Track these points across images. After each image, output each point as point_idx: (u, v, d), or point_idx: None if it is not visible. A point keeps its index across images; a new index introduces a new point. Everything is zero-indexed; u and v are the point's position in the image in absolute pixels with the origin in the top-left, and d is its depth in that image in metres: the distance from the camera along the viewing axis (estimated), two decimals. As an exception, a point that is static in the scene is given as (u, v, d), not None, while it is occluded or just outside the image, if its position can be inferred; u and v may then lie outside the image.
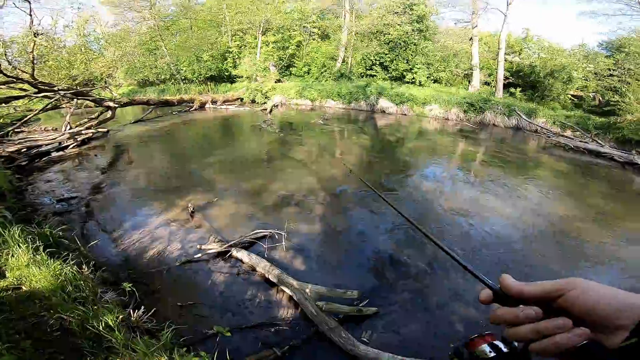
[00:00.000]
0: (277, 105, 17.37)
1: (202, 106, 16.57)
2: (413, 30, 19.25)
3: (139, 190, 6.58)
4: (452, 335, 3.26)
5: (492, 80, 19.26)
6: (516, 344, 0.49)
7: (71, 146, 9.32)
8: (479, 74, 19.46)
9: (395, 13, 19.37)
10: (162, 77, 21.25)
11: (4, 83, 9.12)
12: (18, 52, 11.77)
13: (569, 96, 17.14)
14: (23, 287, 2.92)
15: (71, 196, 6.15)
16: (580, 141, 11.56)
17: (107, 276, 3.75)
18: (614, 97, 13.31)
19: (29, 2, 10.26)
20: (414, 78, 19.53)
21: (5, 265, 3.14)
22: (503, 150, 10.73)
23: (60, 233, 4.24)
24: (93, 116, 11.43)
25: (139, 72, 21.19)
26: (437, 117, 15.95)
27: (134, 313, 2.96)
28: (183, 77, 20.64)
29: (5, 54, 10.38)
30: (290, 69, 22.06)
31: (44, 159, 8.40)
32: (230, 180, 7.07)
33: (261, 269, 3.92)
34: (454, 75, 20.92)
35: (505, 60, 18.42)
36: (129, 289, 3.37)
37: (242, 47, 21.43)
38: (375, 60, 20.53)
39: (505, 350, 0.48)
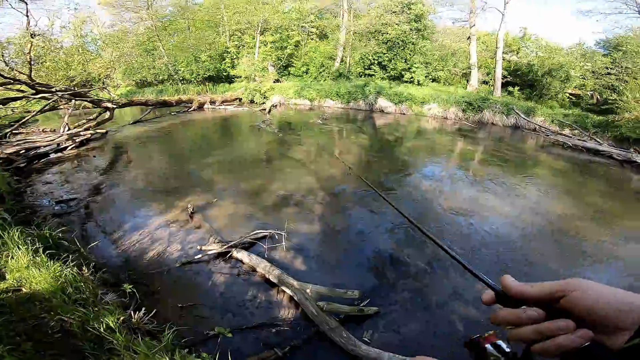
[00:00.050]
0: (275, 105, 17.36)
1: (200, 107, 16.54)
2: (411, 29, 19.27)
3: (138, 191, 6.56)
4: (452, 334, 3.27)
5: (491, 79, 19.30)
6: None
7: (70, 147, 9.29)
8: (477, 73, 19.51)
9: (393, 12, 19.38)
10: (160, 77, 21.19)
11: (1, 84, 9.08)
12: (15, 53, 11.75)
13: (567, 95, 17.21)
14: (23, 289, 2.91)
15: (70, 198, 6.13)
16: (578, 139, 11.61)
17: (107, 277, 3.75)
18: (611, 96, 13.38)
19: (26, 3, 10.25)
20: (412, 77, 19.56)
21: (5, 267, 3.13)
22: (502, 149, 10.76)
23: (60, 235, 4.23)
24: (91, 117, 11.39)
25: (136, 73, 21.12)
26: (435, 116, 15.98)
27: (134, 314, 2.96)
28: (181, 78, 20.59)
29: (2, 55, 10.35)
30: (289, 68, 22.04)
31: (43, 160, 8.37)
32: (229, 181, 7.06)
33: (261, 269, 3.92)
34: (452, 75, 20.97)
35: (503, 59, 18.47)
36: (130, 290, 3.37)
37: (240, 47, 21.40)
38: (374, 59, 20.54)
39: (507, 350, 0.49)
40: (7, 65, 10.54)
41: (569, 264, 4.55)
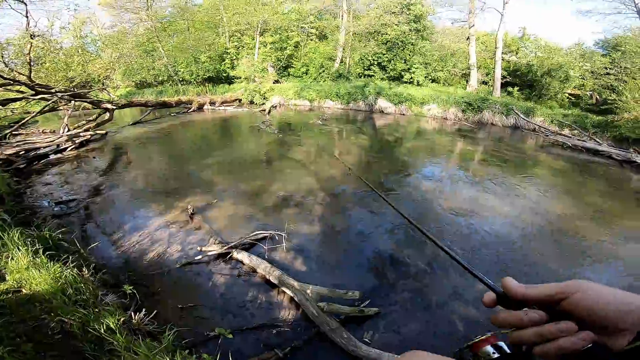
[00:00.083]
0: (275, 106, 17.37)
1: (200, 107, 16.55)
2: (410, 30, 19.29)
3: (138, 192, 6.56)
4: (452, 334, 3.27)
5: (490, 80, 19.34)
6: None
7: (69, 148, 9.29)
8: (477, 73, 19.54)
9: (392, 13, 19.41)
10: (160, 78, 21.20)
11: (0, 85, 9.08)
12: (15, 54, 11.74)
13: (567, 95, 17.24)
14: (23, 290, 2.91)
15: (70, 199, 6.13)
16: (578, 139, 11.62)
17: (107, 279, 3.74)
18: (611, 96, 13.39)
19: (25, 4, 10.24)
20: (412, 78, 19.58)
21: (5, 268, 3.13)
22: (501, 149, 10.77)
23: (60, 236, 4.22)
24: (91, 118, 11.39)
25: (136, 74, 21.14)
26: (435, 117, 15.99)
27: (135, 315, 2.96)
28: (181, 79, 20.59)
29: (2, 56, 10.35)
30: (289, 69, 22.06)
31: (42, 161, 8.37)
32: (229, 182, 7.06)
33: (262, 270, 3.92)
34: (452, 75, 21.00)
35: (503, 59, 18.50)
36: (130, 291, 3.37)
37: (240, 48, 21.41)
38: (373, 60, 20.57)
39: (509, 351, 0.48)
40: (7, 66, 10.53)
41: (568, 264, 4.55)
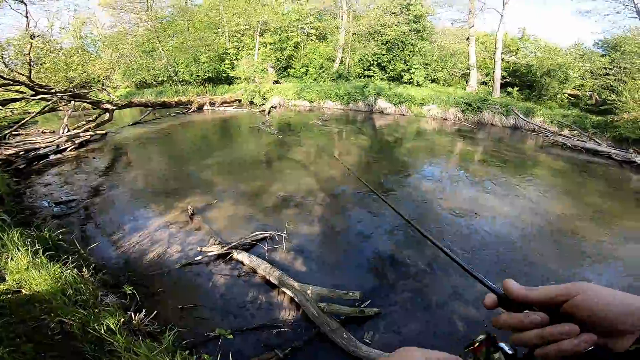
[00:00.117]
0: (275, 107, 17.37)
1: (200, 108, 16.55)
2: (410, 30, 19.32)
3: (138, 192, 6.56)
4: (452, 334, 3.28)
5: (490, 80, 19.36)
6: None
7: (69, 149, 9.28)
8: (476, 73, 19.55)
9: (392, 13, 19.43)
10: (160, 79, 21.21)
11: (0, 85, 9.07)
12: (14, 54, 11.73)
13: (566, 95, 17.26)
14: (23, 291, 2.91)
15: (70, 199, 6.13)
16: (577, 140, 11.63)
17: (107, 279, 3.74)
18: (610, 96, 13.40)
19: (25, 4, 10.24)
20: (411, 78, 19.59)
21: (5, 269, 3.13)
22: (501, 149, 10.78)
23: (60, 236, 4.22)
24: (91, 118, 11.39)
25: (136, 74, 21.14)
26: (435, 117, 16.00)
27: (135, 316, 2.95)
28: (181, 79, 20.59)
29: (2, 56, 10.34)
30: (288, 70, 22.06)
31: (42, 162, 8.37)
32: (229, 182, 7.06)
33: (262, 270, 3.92)
34: (452, 75, 21.01)
35: (502, 59, 18.52)
36: (130, 291, 3.37)
37: (240, 49, 21.41)
38: (373, 60, 20.58)
39: (510, 352, 0.48)
40: (7, 67, 10.51)
41: (568, 264, 4.55)
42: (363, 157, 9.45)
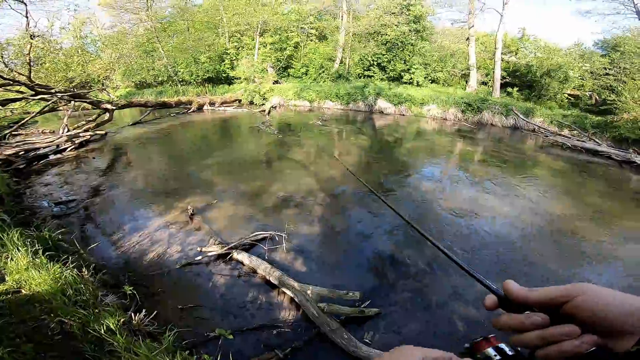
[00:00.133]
0: (275, 107, 17.37)
1: (200, 108, 16.55)
2: (410, 30, 19.32)
3: (138, 192, 6.56)
4: (452, 334, 3.28)
5: (489, 80, 19.37)
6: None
7: (69, 149, 9.28)
8: (476, 74, 19.56)
9: (392, 14, 19.43)
10: (160, 79, 21.21)
11: (0, 85, 9.07)
12: (14, 54, 11.74)
13: (566, 95, 17.26)
14: (23, 291, 2.91)
15: (70, 199, 6.12)
16: (577, 140, 11.64)
17: (107, 279, 3.74)
18: (610, 96, 13.40)
19: (25, 4, 10.24)
20: (411, 78, 19.60)
21: (5, 269, 3.12)
22: (501, 149, 10.78)
23: (60, 236, 4.22)
24: (91, 118, 11.39)
25: (136, 74, 21.15)
26: (435, 117, 16.01)
27: (135, 316, 2.95)
28: (180, 79, 20.60)
29: (2, 56, 10.33)
30: (288, 70, 22.06)
31: (42, 162, 8.36)
32: (229, 182, 7.06)
33: (262, 271, 3.92)
34: (452, 76, 21.02)
35: (502, 60, 18.53)
36: (130, 292, 3.37)
37: (240, 49, 21.41)
38: (373, 60, 20.58)
39: (510, 353, 0.48)
40: (7, 67, 10.51)
41: (568, 264, 4.55)
42: (363, 157, 9.45)
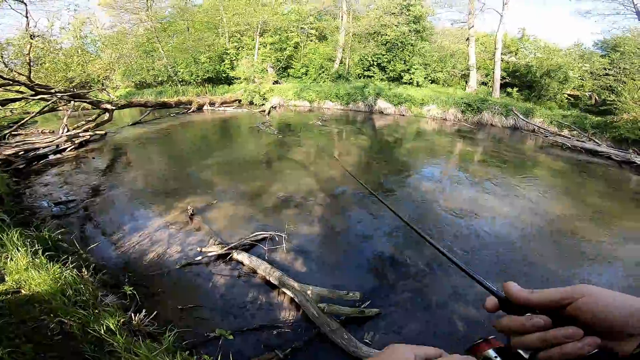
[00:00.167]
0: (275, 107, 17.37)
1: (199, 108, 16.55)
2: (410, 31, 19.32)
3: (138, 192, 6.55)
4: (452, 334, 3.28)
5: (489, 81, 19.38)
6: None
7: (69, 149, 9.28)
8: (476, 74, 19.57)
9: (392, 14, 19.44)
10: (160, 79, 21.21)
11: (0, 85, 9.06)
12: (14, 54, 11.73)
13: (566, 96, 17.28)
14: (22, 291, 2.90)
15: (69, 199, 6.12)
16: (577, 140, 11.65)
17: (107, 279, 3.73)
18: (610, 97, 13.41)
19: (25, 4, 10.23)
20: (411, 79, 19.60)
21: (4, 269, 3.12)
22: (501, 149, 10.78)
23: (59, 236, 4.22)
24: (90, 119, 11.38)
25: (136, 74, 21.14)
26: (435, 118, 16.01)
27: (135, 316, 2.95)
28: (180, 79, 20.59)
29: (2, 56, 10.33)
30: (288, 70, 22.07)
31: (42, 162, 8.36)
32: (228, 182, 7.05)
33: (262, 271, 3.91)
34: (451, 76, 21.03)
35: (502, 60, 18.54)
36: (130, 292, 3.36)
37: (240, 49, 21.42)
38: (373, 61, 20.58)
39: (511, 355, 0.47)
40: (6, 67, 10.51)
41: (568, 265, 4.55)
42: (363, 157, 9.45)
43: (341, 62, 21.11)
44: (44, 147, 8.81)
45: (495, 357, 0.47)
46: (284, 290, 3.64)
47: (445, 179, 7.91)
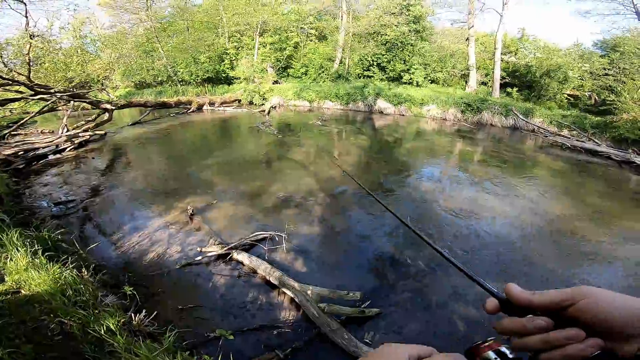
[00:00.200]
0: (275, 107, 17.37)
1: (199, 108, 16.54)
2: (410, 30, 19.33)
3: (138, 192, 6.55)
4: (452, 334, 3.28)
5: (489, 81, 19.39)
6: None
7: (68, 149, 9.27)
8: (476, 74, 19.58)
9: (392, 14, 19.45)
10: (159, 79, 21.20)
11: (0, 85, 9.06)
12: (14, 54, 11.73)
13: (565, 96, 17.29)
14: (22, 291, 2.90)
15: (69, 199, 6.11)
16: (577, 140, 11.65)
17: (107, 279, 3.73)
18: (609, 96, 13.42)
19: (25, 4, 10.22)
20: (411, 79, 19.61)
21: (4, 269, 3.12)
22: (501, 149, 10.79)
23: (59, 236, 4.22)
24: (90, 118, 11.38)
25: (135, 74, 21.14)
26: (434, 118, 16.02)
27: (135, 316, 2.95)
28: (180, 79, 20.58)
29: (1, 56, 10.32)
30: (288, 70, 22.06)
31: (41, 162, 8.35)
32: (228, 182, 7.05)
33: (262, 271, 3.91)
34: (451, 76, 21.04)
35: (502, 60, 18.55)
36: (130, 292, 3.36)
37: (240, 49, 21.41)
38: (373, 61, 20.59)
39: (511, 356, 0.47)
40: (6, 66, 10.50)
41: (568, 265, 4.55)
42: (363, 157, 9.45)
43: (341, 62, 21.11)
44: (43, 147, 8.80)
45: (495, 358, 0.47)
46: (284, 290, 3.64)
47: (445, 178, 7.91)
